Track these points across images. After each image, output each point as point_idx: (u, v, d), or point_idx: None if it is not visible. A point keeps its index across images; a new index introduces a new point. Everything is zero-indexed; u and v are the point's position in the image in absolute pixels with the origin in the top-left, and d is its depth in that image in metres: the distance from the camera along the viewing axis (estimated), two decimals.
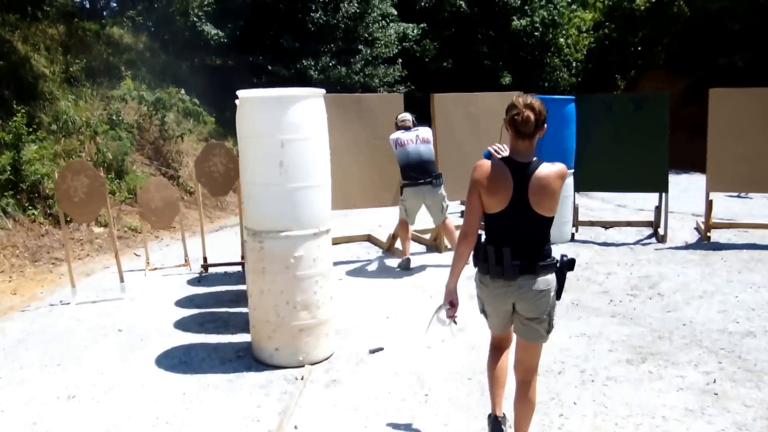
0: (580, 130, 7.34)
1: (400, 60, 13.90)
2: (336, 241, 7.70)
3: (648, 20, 14.80)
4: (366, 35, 13.48)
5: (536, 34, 15.22)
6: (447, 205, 6.62)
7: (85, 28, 12.61)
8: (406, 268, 6.52)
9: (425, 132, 6.47)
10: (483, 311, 3.01)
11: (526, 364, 2.93)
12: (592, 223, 8.36)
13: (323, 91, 4.35)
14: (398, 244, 7.05)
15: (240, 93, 4.17)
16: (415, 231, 8.05)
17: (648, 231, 8.08)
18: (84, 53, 11.60)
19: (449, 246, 6.71)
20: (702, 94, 13.71)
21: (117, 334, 5.01)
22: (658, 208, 7.88)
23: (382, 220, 8.70)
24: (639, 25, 15.14)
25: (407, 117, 6.61)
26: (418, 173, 6.36)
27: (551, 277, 2.78)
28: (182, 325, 5.15)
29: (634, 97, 7.64)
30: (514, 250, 2.70)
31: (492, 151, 2.87)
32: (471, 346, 4.47)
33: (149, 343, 4.79)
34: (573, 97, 7.47)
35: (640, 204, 9.87)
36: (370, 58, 13.40)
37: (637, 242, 7.57)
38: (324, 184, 4.28)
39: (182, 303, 5.72)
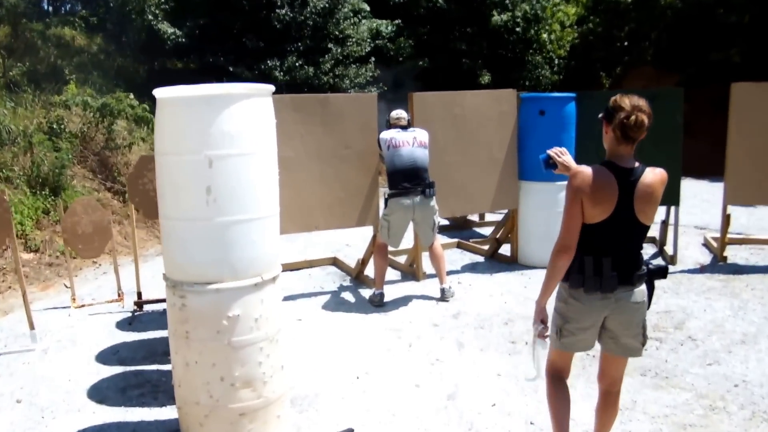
0: (581, 132, 6.30)
1: (373, 59, 12.79)
2: (296, 266, 6.61)
3: (635, 13, 13.86)
4: (336, 33, 12.32)
5: (517, 30, 14.20)
6: (438, 222, 5.55)
7: (32, 29, 11.34)
8: (378, 305, 5.42)
9: (423, 135, 5.46)
10: (560, 331, 2.74)
11: (613, 377, 2.83)
12: None
13: (271, 87, 3.24)
14: (370, 270, 5.94)
15: (156, 92, 3.03)
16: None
17: (652, 249, 7.07)
18: (28, 56, 10.36)
19: (436, 273, 5.62)
20: (692, 91, 12.80)
21: (13, 407, 3.84)
22: (665, 223, 6.88)
23: (350, 238, 7.58)
24: (625, 19, 14.20)
25: (402, 115, 5.55)
26: (409, 181, 5.28)
27: (645, 288, 2.68)
28: (98, 392, 3.99)
29: (643, 93, 6.54)
30: (614, 260, 2.57)
31: (552, 155, 2.79)
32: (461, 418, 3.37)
33: (51, 422, 3.63)
34: (573, 95, 6.41)
35: None
36: (341, 57, 12.25)
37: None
38: (269, 215, 3.17)
39: (104, 357, 4.55)
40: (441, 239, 7.80)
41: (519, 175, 6.43)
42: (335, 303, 5.57)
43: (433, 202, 5.41)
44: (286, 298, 5.64)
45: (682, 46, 13.18)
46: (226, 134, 2.90)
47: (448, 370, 4.10)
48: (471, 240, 7.43)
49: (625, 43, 14.48)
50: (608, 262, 2.55)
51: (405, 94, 6.30)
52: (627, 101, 2.57)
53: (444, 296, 5.49)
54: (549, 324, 2.72)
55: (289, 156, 5.49)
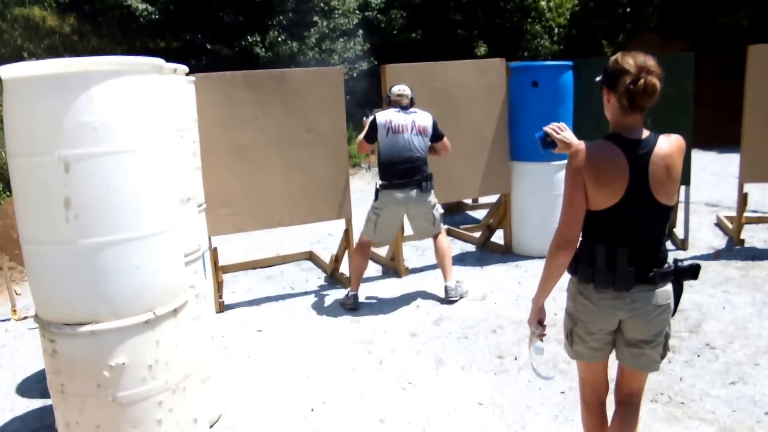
0: (579, 104, 5.43)
1: (361, 32, 11.85)
2: (267, 263, 5.85)
3: None
4: (322, 5, 11.40)
5: None
6: (441, 214, 4.78)
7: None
8: (352, 308, 4.64)
9: (424, 119, 4.63)
10: (570, 335, 2.27)
11: (631, 388, 2.33)
12: None
13: (160, 61, 2.42)
14: (346, 267, 5.17)
15: (2, 71, 2.21)
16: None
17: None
18: None
19: (440, 268, 4.83)
20: (699, 58, 11.80)
21: None
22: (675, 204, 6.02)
23: (333, 227, 6.77)
24: None
25: (405, 92, 4.70)
26: (404, 174, 4.51)
27: (670, 288, 2.15)
28: None
29: None
30: (630, 252, 2.06)
31: (550, 132, 2.34)
32: None
33: None
34: (570, 63, 5.52)
35: None
36: (327, 31, 11.34)
37: None
38: (161, 230, 2.37)
39: (27, 386, 3.81)
40: None
41: (511, 156, 5.59)
42: (304, 308, 4.79)
43: (431, 197, 4.64)
44: (250, 304, 4.90)
45: (687, 10, 12.10)
46: (86, 126, 2.10)
47: (420, 397, 3.33)
48: (462, 226, 6.61)
49: (628, 9, 13.40)
50: (624, 254, 2.07)
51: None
52: (631, 61, 2.04)
53: (448, 296, 4.67)
54: (561, 326, 2.31)
55: (243, 143, 4.72)
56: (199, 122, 4.42)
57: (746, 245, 5.58)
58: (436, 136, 4.66)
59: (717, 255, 5.39)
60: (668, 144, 2.09)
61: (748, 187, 5.66)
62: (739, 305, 4.28)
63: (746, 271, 4.96)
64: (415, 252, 5.99)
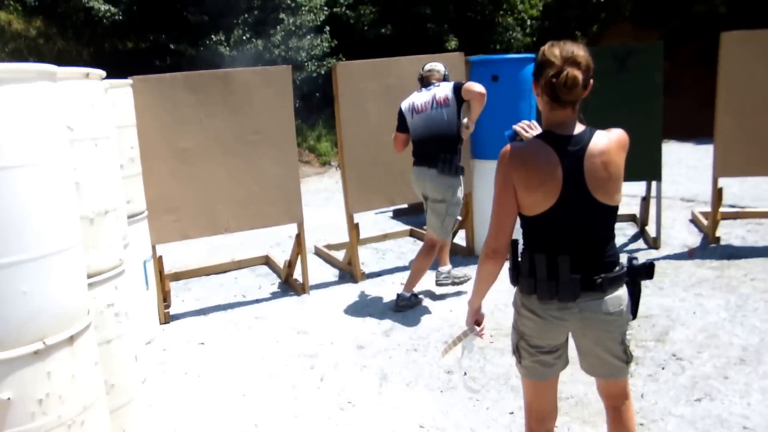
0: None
1: (328, 28, 11.55)
2: (221, 269, 5.57)
3: None
4: (288, 1, 11.07)
5: None
6: (455, 220, 4.52)
7: None
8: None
9: (444, 90, 4.31)
10: (517, 349, 2.09)
11: (611, 394, 2.15)
12: None
13: (50, 68, 2.17)
14: (299, 273, 4.92)
15: None
16: (326, 247, 5.93)
17: (632, 229, 6.04)
18: None
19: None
20: (675, 48, 11.64)
21: None
22: (645, 201, 5.84)
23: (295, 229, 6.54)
24: None
25: (435, 66, 4.49)
26: (423, 150, 4.32)
27: (622, 293, 1.99)
28: None
29: (617, 50, 5.47)
30: (573, 259, 1.89)
31: (519, 130, 2.12)
32: None
33: None
34: (533, 56, 5.27)
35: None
36: (293, 28, 11.02)
37: (620, 248, 5.51)
38: (58, 250, 2.12)
39: None
40: (394, 225, 6.84)
41: (472, 154, 5.35)
42: (252, 317, 4.52)
43: (452, 182, 4.25)
44: (198, 313, 4.64)
45: None
46: None
47: (359, 419, 3.09)
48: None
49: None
50: (565, 262, 1.91)
51: None
52: (557, 52, 1.89)
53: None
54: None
55: (186, 147, 4.48)
56: (138, 126, 4.18)
57: (722, 243, 5.40)
58: (459, 92, 4.22)
59: (691, 254, 5.20)
60: (606, 139, 1.94)
61: (725, 181, 5.51)
62: (712, 310, 4.08)
63: (721, 272, 4.76)
64: (375, 255, 5.75)
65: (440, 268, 4.63)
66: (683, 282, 4.60)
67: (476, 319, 2.18)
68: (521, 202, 1.95)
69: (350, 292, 4.87)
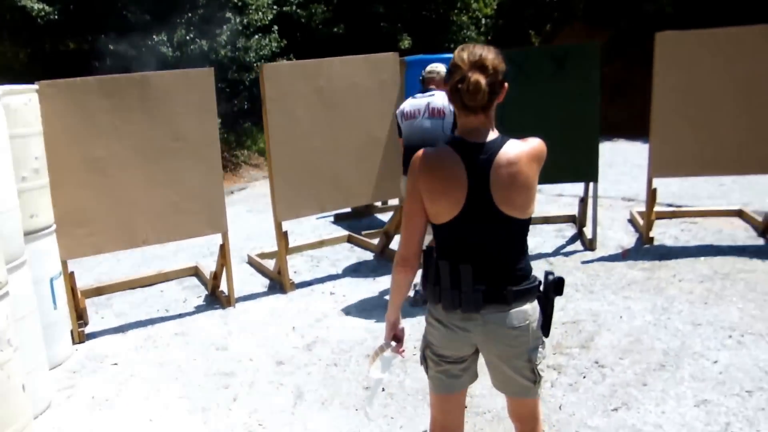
0: None
1: (276, 27, 11.34)
2: (149, 281, 5.36)
3: None
4: (235, 0, 10.85)
5: None
6: None
7: None
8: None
9: (438, 100, 4.18)
10: (424, 359, 2.03)
11: (520, 415, 2.09)
12: None
13: None
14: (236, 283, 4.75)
15: None
16: (260, 255, 5.77)
17: (571, 230, 6.01)
18: None
19: None
20: (625, 47, 11.70)
21: None
22: (583, 202, 5.81)
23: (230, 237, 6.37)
24: None
25: (436, 67, 4.35)
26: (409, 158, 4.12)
27: (530, 307, 1.91)
28: None
29: (555, 50, 5.45)
30: (476, 269, 1.85)
31: None
32: None
33: None
34: None
35: (559, 187, 7.28)
36: (241, 28, 10.79)
37: (557, 250, 5.48)
38: None
39: None
40: (334, 231, 6.70)
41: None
42: (172, 333, 4.34)
43: None
44: (116, 331, 4.45)
45: None
46: None
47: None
48: (364, 232, 6.25)
49: None
50: (468, 272, 1.86)
51: None
52: (465, 56, 1.82)
53: (415, 299, 4.32)
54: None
55: (100, 155, 4.27)
56: (46, 135, 3.98)
57: (656, 243, 5.39)
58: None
59: (625, 255, 5.18)
60: (518, 149, 1.85)
61: (665, 180, 5.49)
62: (638, 313, 4.05)
63: (652, 273, 4.75)
64: (309, 263, 5.62)
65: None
66: (614, 284, 4.57)
67: (394, 333, 2.10)
68: (428, 209, 1.89)
69: (278, 304, 4.72)
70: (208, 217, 4.63)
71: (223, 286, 4.83)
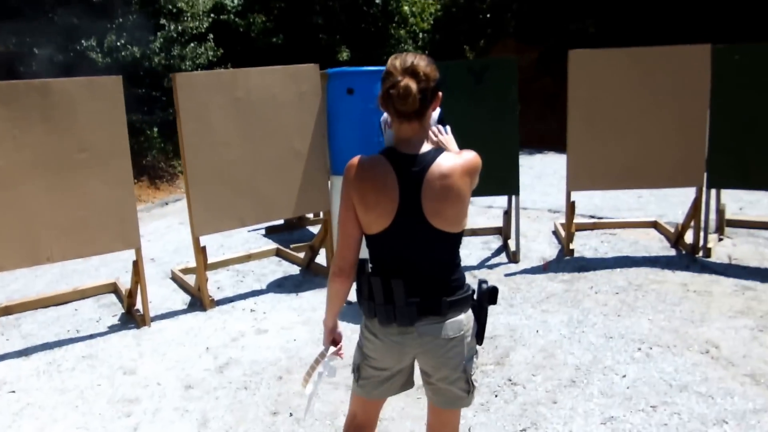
0: None
1: (212, 36, 11.00)
2: (63, 299, 4.99)
3: None
4: (170, 6, 10.46)
5: (377, 1, 12.73)
6: None
7: None
8: None
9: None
10: (358, 369, 1.98)
11: (443, 428, 2.02)
12: None
13: None
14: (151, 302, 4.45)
15: None
16: (183, 270, 5.47)
17: (498, 242, 5.95)
18: None
19: None
20: (553, 63, 11.90)
21: None
22: (507, 214, 5.76)
23: (156, 250, 6.06)
24: None
25: None
26: None
27: (465, 317, 1.88)
28: None
29: (474, 64, 5.39)
30: (408, 283, 1.79)
31: (430, 135, 1.92)
32: None
33: None
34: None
35: (489, 199, 7.25)
36: (176, 35, 10.41)
37: (483, 262, 5.40)
38: None
39: None
40: (264, 244, 6.46)
41: (331, 170, 5.09)
42: (78, 357, 4.00)
43: None
44: (19, 354, 4.10)
45: (542, 17, 12.22)
46: None
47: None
48: (293, 245, 6.03)
49: (488, 15, 13.38)
50: (399, 286, 1.80)
51: None
52: (398, 64, 1.78)
53: None
54: (350, 355, 2.05)
55: None
56: None
57: (576, 255, 5.38)
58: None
59: (545, 267, 5.14)
60: (452, 161, 1.80)
61: (589, 191, 5.46)
62: (554, 327, 3.98)
63: (570, 285, 4.71)
64: (235, 277, 5.36)
65: None
66: (533, 297, 4.50)
67: (333, 338, 2.04)
68: (360, 219, 1.83)
69: (195, 323, 4.45)
70: (120, 233, 4.33)
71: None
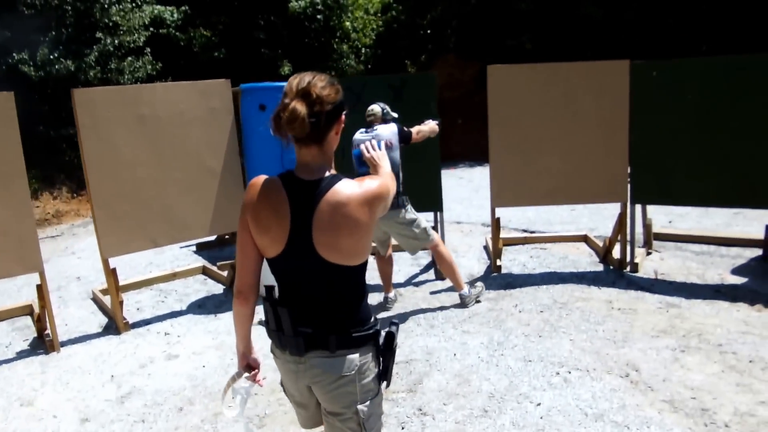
0: None
1: (149, 50, 10.53)
2: None
3: (438, 2, 12.58)
4: (106, 20, 9.96)
5: (318, 17, 12.46)
6: (423, 227, 4.29)
7: None
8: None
9: (384, 133, 4.10)
10: (284, 388, 1.87)
11: None
12: None
13: None
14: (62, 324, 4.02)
15: None
16: (104, 291, 5.05)
17: (427, 258, 5.71)
18: None
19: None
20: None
21: None
22: (434, 230, 5.51)
23: (84, 269, 5.63)
24: (429, 7, 12.90)
25: (371, 110, 4.25)
26: None
27: (359, 357, 1.70)
28: None
29: (393, 80, 5.13)
30: (296, 313, 1.67)
31: (362, 150, 2.02)
32: None
33: None
34: None
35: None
36: (112, 49, 9.91)
37: (410, 279, 5.15)
38: None
39: None
40: (194, 261, 6.08)
41: (245, 185, 4.75)
42: None
43: (403, 213, 4.18)
44: None
45: (481, 33, 12.15)
46: None
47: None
48: (219, 263, 5.66)
49: (429, 31, 13.25)
50: (286, 315, 1.68)
51: None
52: (294, 84, 1.62)
53: (464, 302, 4.44)
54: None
55: None
56: None
57: (505, 271, 5.18)
58: (405, 138, 4.19)
59: (472, 282, 4.90)
60: (349, 190, 1.62)
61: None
62: (473, 350, 3.73)
63: (495, 303, 4.48)
64: (157, 297, 4.98)
65: (461, 292, 4.45)
66: (456, 317, 4.25)
67: (247, 363, 1.87)
68: (256, 241, 1.70)
69: (107, 347, 4.08)
70: (19, 256, 3.92)
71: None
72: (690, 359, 3.47)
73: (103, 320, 4.61)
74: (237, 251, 1.75)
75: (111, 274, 4.31)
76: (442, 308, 4.43)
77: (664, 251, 5.54)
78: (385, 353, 1.76)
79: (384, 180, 1.72)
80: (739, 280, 4.73)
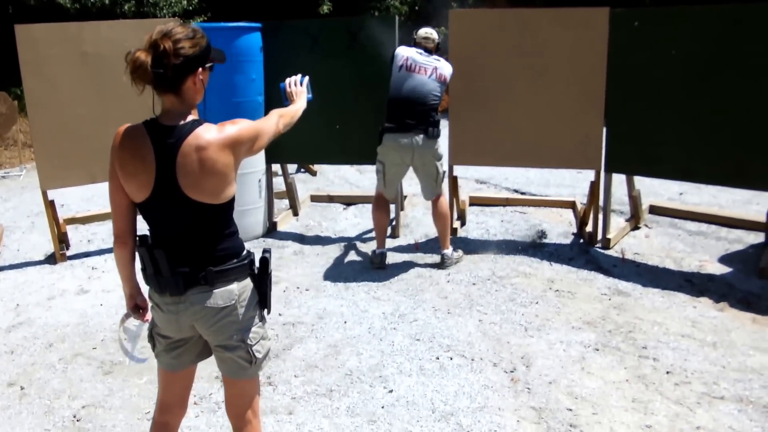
0: (271, 76, 4.40)
1: None
2: None
3: None
4: None
5: None
6: (444, 171, 4.12)
7: None
8: (379, 266, 4.12)
9: (446, 69, 3.97)
10: (151, 336, 1.89)
11: (235, 407, 1.92)
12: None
13: None
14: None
15: None
16: (66, 220, 5.05)
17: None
18: None
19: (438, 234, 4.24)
20: None
21: None
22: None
23: (75, 196, 5.67)
24: None
25: (432, 35, 4.02)
26: (413, 116, 3.86)
27: (237, 287, 1.78)
28: None
29: (351, 22, 4.64)
30: (171, 253, 1.73)
31: (286, 84, 2.12)
32: None
33: None
34: (258, 25, 4.45)
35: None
36: None
37: (360, 235, 4.81)
38: None
39: None
40: None
41: None
42: None
43: (438, 145, 3.99)
44: None
45: None
46: None
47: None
48: None
49: None
50: (163, 257, 1.72)
51: None
52: (154, 33, 1.66)
53: (444, 263, 4.13)
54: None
55: None
56: None
57: (463, 234, 4.74)
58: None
59: (417, 246, 4.53)
60: (209, 135, 1.67)
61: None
62: (368, 319, 3.41)
63: (429, 270, 4.08)
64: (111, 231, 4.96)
65: (444, 251, 4.15)
66: (376, 281, 3.91)
67: (135, 303, 1.90)
68: (124, 187, 1.71)
69: (36, 276, 4.20)
70: None
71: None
72: (598, 361, 2.96)
73: (51, 250, 4.63)
74: (109, 198, 1.76)
75: (49, 205, 4.30)
76: (371, 269, 4.10)
77: (656, 227, 4.86)
78: (261, 280, 1.83)
79: (247, 124, 1.73)
80: (721, 269, 4.05)
